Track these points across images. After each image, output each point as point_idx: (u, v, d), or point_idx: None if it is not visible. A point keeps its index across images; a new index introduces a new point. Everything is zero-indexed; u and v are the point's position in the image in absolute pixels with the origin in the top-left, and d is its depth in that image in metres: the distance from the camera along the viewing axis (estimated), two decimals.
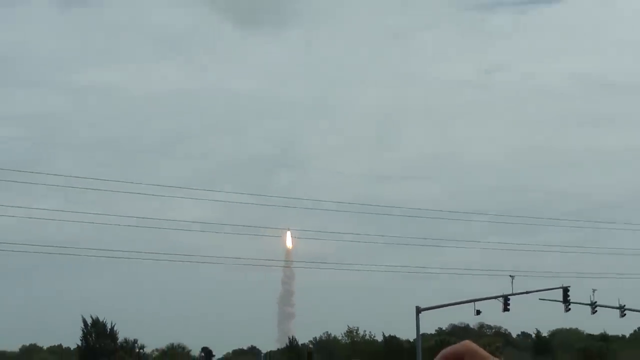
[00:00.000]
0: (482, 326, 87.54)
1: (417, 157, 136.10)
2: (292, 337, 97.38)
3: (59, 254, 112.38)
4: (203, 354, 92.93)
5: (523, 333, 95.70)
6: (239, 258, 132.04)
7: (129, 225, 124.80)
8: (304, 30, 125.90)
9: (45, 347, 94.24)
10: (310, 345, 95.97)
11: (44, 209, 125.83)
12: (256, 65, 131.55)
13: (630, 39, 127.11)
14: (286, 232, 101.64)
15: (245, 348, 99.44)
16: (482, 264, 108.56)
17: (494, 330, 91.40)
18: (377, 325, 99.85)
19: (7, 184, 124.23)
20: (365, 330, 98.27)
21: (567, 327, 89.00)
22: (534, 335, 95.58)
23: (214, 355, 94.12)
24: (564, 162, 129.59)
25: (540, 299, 65.69)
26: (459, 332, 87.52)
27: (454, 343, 1.39)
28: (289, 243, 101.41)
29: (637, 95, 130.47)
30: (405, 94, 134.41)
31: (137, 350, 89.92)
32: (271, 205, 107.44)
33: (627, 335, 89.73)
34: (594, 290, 69.21)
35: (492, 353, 1.53)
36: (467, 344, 1.40)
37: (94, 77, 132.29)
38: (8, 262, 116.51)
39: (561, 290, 66.26)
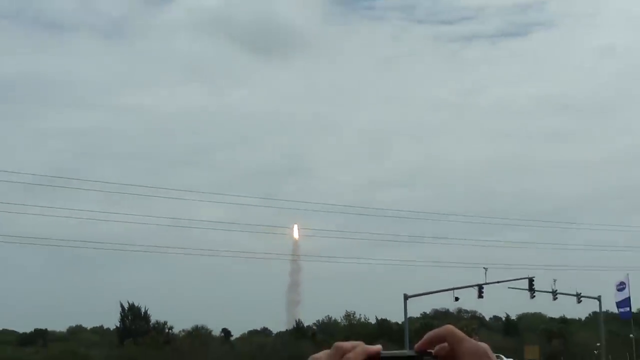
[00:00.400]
0: (460, 311, 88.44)
1: (404, 166, 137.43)
2: (299, 320, 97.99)
3: (101, 248, 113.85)
4: (223, 334, 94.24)
5: (495, 316, 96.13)
6: (254, 252, 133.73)
7: (159, 225, 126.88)
8: (308, 59, 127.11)
9: (88, 328, 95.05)
10: (314, 327, 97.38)
11: (88, 210, 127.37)
12: (267, 89, 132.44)
13: (583, 67, 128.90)
14: (294, 226, 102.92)
15: (258, 329, 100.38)
16: (459, 258, 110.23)
17: (470, 314, 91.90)
18: (371, 310, 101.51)
19: (58, 189, 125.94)
20: (360, 314, 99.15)
21: (532, 312, 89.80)
22: (504, 319, 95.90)
23: (232, 335, 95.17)
24: (528, 170, 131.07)
25: (509, 288, 67.14)
26: (440, 316, 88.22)
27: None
28: (296, 235, 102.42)
29: (588, 114, 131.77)
30: (394, 113, 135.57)
31: (167, 330, 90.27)
32: (280, 207, 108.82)
33: (583, 319, 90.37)
34: (554, 280, 70.86)
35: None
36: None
37: (130, 98, 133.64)
38: (59, 255, 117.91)
39: (527, 280, 67.64)
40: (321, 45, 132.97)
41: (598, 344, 74.61)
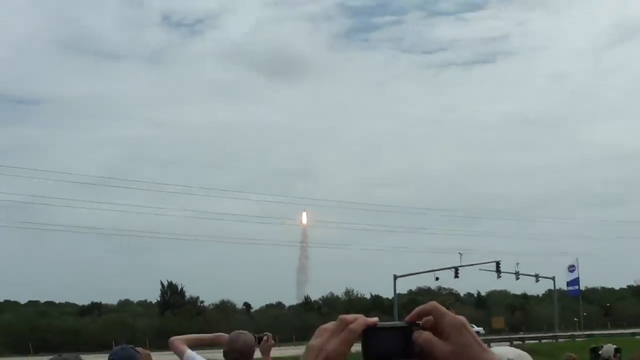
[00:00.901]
0: (439, 288, 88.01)
1: (393, 170, 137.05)
2: (307, 295, 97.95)
3: (145, 236, 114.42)
4: (244, 307, 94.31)
5: (468, 293, 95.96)
6: (270, 239, 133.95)
7: (192, 217, 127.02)
8: (315, 81, 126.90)
9: (135, 301, 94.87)
10: (320, 301, 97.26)
11: (134, 205, 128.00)
12: (281, 105, 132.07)
13: (539, 89, 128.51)
14: (303, 213, 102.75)
15: (274, 303, 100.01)
16: (439, 245, 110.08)
17: (447, 291, 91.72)
18: (366, 287, 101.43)
19: (110, 187, 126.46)
20: (357, 291, 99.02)
21: (499, 289, 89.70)
22: (475, 295, 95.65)
23: (252, 308, 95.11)
24: (495, 174, 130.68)
25: (480, 270, 66.93)
26: (423, 292, 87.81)
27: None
28: (304, 221, 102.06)
29: (543, 128, 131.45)
30: (385, 125, 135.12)
31: (199, 304, 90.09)
32: (292, 203, 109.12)
33: (540, 295, 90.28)
34: (517, 264, 70.50)
35: (447, 307, 1.52)
36: (433, 303, 1.52)
37: (168, 113, 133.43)
38: (111, 242, 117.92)
39: (495, 263, 67.32)
40: (325, 70, 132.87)
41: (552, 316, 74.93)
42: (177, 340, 6.38)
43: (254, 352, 6.09)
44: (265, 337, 6.44)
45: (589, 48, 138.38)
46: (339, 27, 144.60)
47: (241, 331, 6.26)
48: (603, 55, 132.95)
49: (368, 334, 1.45)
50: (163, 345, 8.10)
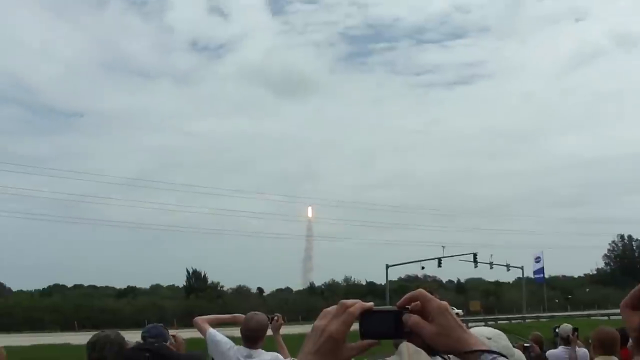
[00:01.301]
0: (425, 276, 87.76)
1: (386, 174, 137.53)
2: (311, 282, 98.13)
3: (174, 230, 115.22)
4: (258, 291, 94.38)
5: (449, 280, 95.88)
6: (281, 233, 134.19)
7: (215, 214, 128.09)
8: (319, 98, 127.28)
9: (164, 285, 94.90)
10: (322, 287, 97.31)
11: (165, 203, 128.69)
12: (288, 119, 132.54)
13: (512, 106, 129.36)
14: (309, 208, 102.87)
15: (283, 287, 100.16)
16: (425, 239, 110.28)
17: (432, 279, 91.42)
18: (362, 275, 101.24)
19: (144, 189, 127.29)
20: (355, 278, 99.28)
21: (476, 277, 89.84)
22: (455, 282, 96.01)
23: (264, 292, 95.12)
24: (474, 178, 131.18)
25: (459, 260, 66.96)
26: (411, 280, 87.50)
27: (409, 288, 1.64)
28: (310, 214, 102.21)
29: (516, 139, 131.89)
30: (379, 136, 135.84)
31: (219, 288, 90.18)
32: (298, 202, 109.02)
33: (511, 282, 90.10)
34: (491, 255, 70.35)
35: (431, 293, 1.53)
36: (421, 290, 1.52)
37: (194, 125, 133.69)
38: (144, 234, 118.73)
39: (472, 255, 68.08)
40: (328, 89, 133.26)
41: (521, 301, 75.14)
42: (200, 319, 6.40)
43: (266, 330, 6.11)
44: (275, 317, 6.46)
45: (552, 71, 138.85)
46: (340, 52, 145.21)
47: (255, 312, 6.27)
48: (564, 78, 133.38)
49: (364, 317, 1.46)
50: (188, 323, 8.09)
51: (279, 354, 6.04)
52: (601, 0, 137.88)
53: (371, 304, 1.48)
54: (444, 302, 1.50)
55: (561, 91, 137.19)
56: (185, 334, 6.08)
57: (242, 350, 5.92)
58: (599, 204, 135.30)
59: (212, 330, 6.21)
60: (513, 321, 58.54)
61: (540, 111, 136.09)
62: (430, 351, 1.46)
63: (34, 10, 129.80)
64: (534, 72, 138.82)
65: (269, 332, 6.25)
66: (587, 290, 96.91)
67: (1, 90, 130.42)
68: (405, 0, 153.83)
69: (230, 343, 6.10)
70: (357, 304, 1.47)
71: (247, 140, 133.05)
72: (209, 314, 6.71)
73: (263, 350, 5.97)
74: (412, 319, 1.46)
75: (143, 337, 5.49)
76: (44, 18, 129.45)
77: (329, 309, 1.49)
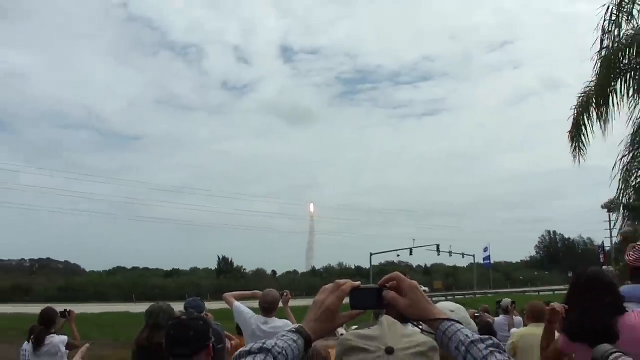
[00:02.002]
0: (399, 262, 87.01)
1: (371, 185, 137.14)
2: (313, 266, 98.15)
3: (208, 226, 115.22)
4: (272, 273, 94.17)
5: (418, 265, 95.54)
6: (290, 229, 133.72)
7: (239, 214, 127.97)
8: (319, 126, 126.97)
9: (201, 268, 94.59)
10: (321, 270, 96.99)
11: (201, 205, 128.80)
12: (295, 142, 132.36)
13: (468, 133, 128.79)
14: (310, 204, 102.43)
15: (291, 270, 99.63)
16: (400, 233, 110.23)
17: (405, 264, 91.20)
18: (352, 261, 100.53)
19: (185, 194, 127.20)
20: (347, 263, 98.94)
21: (438, 263, 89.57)
22: (423, 266, 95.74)
23: (277, 273, 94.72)
24: (440, 188, 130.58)
25: (426, 250, 66.90)
26: (389, 265, 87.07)
27: (388, 271, 1.61)
28: (312, 210, 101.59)
29: (470, 160, 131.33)
30: (365, 156, 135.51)
31: (242, 270, 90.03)
32: (303, 206, 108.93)
33: (465, 266, 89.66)
34: (450, 246, 70.47)
35: (404, 274, 1.50)
36: (397, 273, 1.51)
37: (221, 146, 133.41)
38: (186, 229, 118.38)
39: (436, 246, 68.06)
40: (326, 119, 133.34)
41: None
42: (228, 295, 6.41)
43: (278, 303, 6.11)
44: (285, 293, 6.47)
45: (497, 107, 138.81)
46: (335, 91, 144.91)
47: (270, 289, 6.30)
48: (506, 111, 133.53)
49: (353, 293, 1.48)
50: (219, 298, 8.03)
51: (288, 321, 6.07)
52: (532, 54, 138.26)
53: (359, 283, 1.50)
54: (414, 282, 1.51)
55: (504, 122, 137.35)
56: (216, 305, 6.07)
57: (260, 318, 5.96)
58: (533, 208, 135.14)
59: (237, 303, 6.23)
60: (467, 296, 58.37)
61: (488, 137, 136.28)
62: (404, 319, 1.46)
63: (105, 59, 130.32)
64: (483, 107, 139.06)
65: (281, 305, 6.26)
66: (523, 273, 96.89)
67: (79, 118, 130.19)
68: (385, 52, 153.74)
69: (251, 313, 6.13)
70: (348, 283, 1.49)
71: (264, 158, 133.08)
72: (235, 291, 6.70)
73: (276, 318, 6.00)
74: (390, 294, 1.47)
75: (185, 308, 5.50)
76: (111, 64, 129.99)
77: (326, 286, 1.50)
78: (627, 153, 11.28)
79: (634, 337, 2.97)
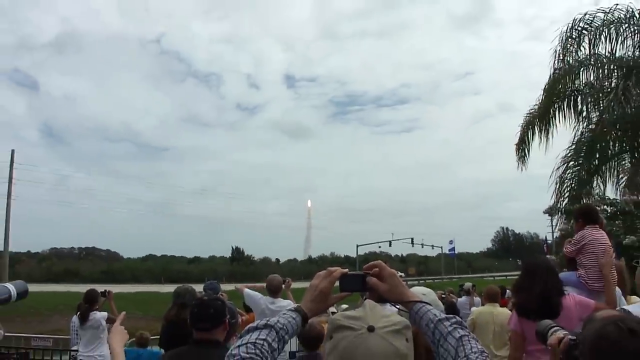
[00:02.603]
0: (381, 252, 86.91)
1: (358, 189, 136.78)
2: (310, 255, 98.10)
3: (225, 222, 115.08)
4: (276, 260, 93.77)
5: (396, 255, 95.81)
6: (291, 224, 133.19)
7: (250, 212, 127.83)
8: (316, 141, 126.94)
9: (218, 256, 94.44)
10: (317, 258, 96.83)
11: (218, 205, 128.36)
12: (296, 153, 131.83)
13: (436, 148, 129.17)
14: (308, 200, 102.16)
15: (292, 258, 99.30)
16: (382, 229, 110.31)
17: (385, 254, 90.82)
18: (342, 251, 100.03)
19: (207, 196, 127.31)
20: (337, 253, 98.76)
21: (412, 253, 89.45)
22: (400, 256, 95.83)
23: (280, 261, 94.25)
24: (413, 192, 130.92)
25: (402, 242, 67.00)
26: (372, 255, 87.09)
27: (371, 259, 1.57)
28: (309, 204, 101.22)
29: (438, 169, 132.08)
30: (353, 166, 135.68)
31: (251, 258, 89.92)
32: (302, 205, 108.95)
33: (434, 256, 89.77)
34: (422, 239, 70.48)
35: (385, 262, 1.48)
36: (378, 261, 1.49)
37: (235, 156, 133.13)
38: (207, 224, 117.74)
39: (410, 239, 67.84)
40: (322, 134, 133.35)
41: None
42: (240, 286, 6.49)
43: (281, 286, 6.15)
44: (287, 280, 6.52)
45: (460, 126, 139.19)
46: (330, 111, 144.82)
47: (275, 275, 6.34)
48: (467, 130, 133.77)
49: (342, 278, 1.48)
50: (232, 281, 8.02)
51: (290, 301, 6.11)
52: (490, 83, 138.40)
53: (347, 270, 1.50)
54: (393, 270, 1.52)
55: (466, 138, 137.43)
56: (230, 287, 6.06)
57: (268, 299, 5.98)
58: (489, 208, 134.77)
59: (247, 290, 6.37)
60: (435, 280, 58.40)
61: (454, 150, 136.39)
62: (384, 301, 1.47)
63: (141, 85, 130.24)
64: (449, 126, 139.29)
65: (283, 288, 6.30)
66: (481, 262, 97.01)
67: (119, 133, 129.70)
68: (370, 80, 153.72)
69: (259, 295, 6.17)
70: (338, 270, 1.49)
71: (270, 166, 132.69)
72: (244, 277, 6.76)
73: (281, 299, 6.04)
74: (372, 280, 1.47)
75: (204, 289, 5.50)
76: (146, 89, 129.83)
77: (320, 272, 1.50)
78: (560, 165, 11.34)
79: (569, 315, 3.01)
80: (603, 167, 11.28)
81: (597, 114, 10.93)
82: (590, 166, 11.05)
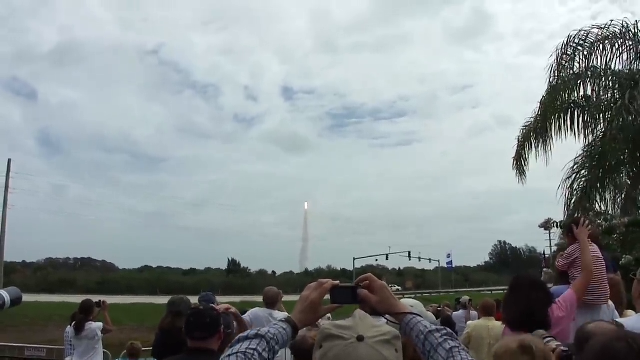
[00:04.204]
0: (378, 265, 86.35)
1: (355, 200, 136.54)
2: (306, 267, 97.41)
3: (221, 233, 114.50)
4: (272, 272, 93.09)
5: (393, 268, 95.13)
6: (287, 237, 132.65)
7: (246, 223, 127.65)
8: (313, 154, 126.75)
9: (214, 268, 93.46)
10: (313, 271, 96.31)
11: (216, 217, 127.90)
12: (292, 165, 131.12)
13: (433, 161, 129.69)
14: (305, 203, 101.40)
15: (288, 271, 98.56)
16: (379, 242, 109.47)
17: (382, 267, 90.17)
18: (339, 264, 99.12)
19: (204, 208, 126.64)
20: (333, 266, 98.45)
21: (410, 266, 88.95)
22: (397, 269, 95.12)
23: (276, 273, 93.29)
24: (411, 204, 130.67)
25: (400, 255, 66.68)
26: (368, 268, 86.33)
27: (366, 272, 1.53)
28: (306, 207, 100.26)
29: (436, 181, 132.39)
30: (351, 178, 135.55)
31: (247, 270, 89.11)
32: (299, 217, 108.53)
33: (432, 269, 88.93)
34: (419, 252, 70.80)
35: (380, 277, 1.52)
36: (369, 274, 1.53)
37: (233, 167, 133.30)
38: (202, 235, 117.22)
39: (407, 252, 67.72)
40: (319, 147, 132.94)
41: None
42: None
43: (277, 297, 6.20)
44: (279, 292, 6.57)
45: (459, 138, 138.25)
46: (327, 124, 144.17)
47: (270, 287, 6.39)
48: (466, 143, 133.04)
49: (333, 290, 1.50)
50: (227, 293, 7.97)
51: (286, 313, 6.15)
52: (488, 96, 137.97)
53: (337, 282, 1.51)
54: (383, 282, 1.53)
55: (464, 151, 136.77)
56: (226, 299, 6.02)
57: (266, 310, 6.06)
58: (487, 221, 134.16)
59: (245, 316, 6.10)
60: (432, 294, 58.15)
61: (452, 163, 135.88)
62: (374, 313, 1.47)
63: (139, 95, 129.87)
64: (447, 139, 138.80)
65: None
66: (479, 275, 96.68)
67: (117, 143, 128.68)
68: (368, 92, 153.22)
69: (256, 310, 6.15)
70: (329, 282, 1.50)
71: (267, 178, 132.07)
72: (241, 289, 6.78)
73: (279, 311, 6.08)
74: (363, 292, 1.49)
75: (199, 301, 5.49)
76: (144, 99, 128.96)
77: (311, 284, 1.53)
78: (568, 176, 11.32)
79: (560, 322, 3.13)
80: (605, 181, 11.28)
81: (600, 126, 10.97)
82: (598, 178, 11.04)
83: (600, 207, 11.34)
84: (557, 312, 3.20)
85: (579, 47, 10.84)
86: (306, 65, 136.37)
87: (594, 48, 10.76)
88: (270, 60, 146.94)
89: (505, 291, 3.44)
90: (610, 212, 11.55)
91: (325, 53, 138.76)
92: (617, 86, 10.72)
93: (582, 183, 11.15)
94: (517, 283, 3.20)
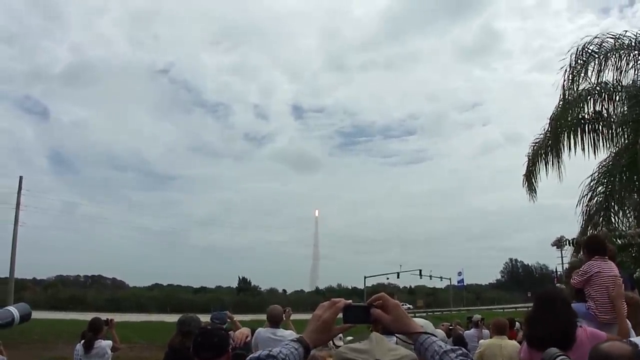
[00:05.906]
0: (388, 284, 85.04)
1: (365, 218, 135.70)
2: (317, 286, 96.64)
3: (232, 252, 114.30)
4: (283, 291, 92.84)
5: (404, 287, 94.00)
6: (298, 255, 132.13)
7: (257, 241, 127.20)
8: (322, 172, 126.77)
9: (224, 286, 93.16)
10: (323, 290, 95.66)
11: (226, 234, 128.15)
12: (302, 184, 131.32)
13: (444, 177, 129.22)
14: (316, 210, 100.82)
15: (298, 289, 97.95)
16: (389, 260, 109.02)
17: (393, 286, 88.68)
18: (350, 282, 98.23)
19: (214, 226, 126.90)
20: (344, 284, 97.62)
21: (421, 285, 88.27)
22: (408, 287, 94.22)
23: (287, 292, 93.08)
24: (421, 221, 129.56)
25: (411, 274, 66.35)
26: (380, 286, 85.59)
27: (379, 291, 1.54)
28: (316, 214, 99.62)
29: (443, 198, 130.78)
30: (360, 195, 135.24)
31: (258, 289, 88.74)
32: (309, 235, 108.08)
33: (443, 287, 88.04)
34: (431, 271, 69.20)
35: (392, 295, 1.52)
36: (382, 294, 1.50)
37: (244, 186, 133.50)
38: (212, 253, 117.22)
39: (419, 270, 67.21)
40: (328, 166, 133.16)
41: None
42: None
43: (281, 316, 6.18)
44: (287, 309, 6.59)
45: (469, 156, 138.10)
46: (336, 142, 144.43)
47: (274, 305, 6.40)
48: (476, 160, 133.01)
49: (346, 309, 1.48)
50: (238, 311, 7.95)
51: (292, 331, 6.11)
52: (497, 114, 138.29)
53: (350, 301, 1.50)
54: (396, 301, 1.52)
55: (474, 168, 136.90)
56: (236, 317, 5.96)
57: (269, 329, 5.98)
58: (498, 238, 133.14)
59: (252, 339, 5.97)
60: (444, 312, 57.37)
61: (462, 180, 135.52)
62: (388, 333, 1.49)
63: (150, 114, 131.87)
64: (457, 156, 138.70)
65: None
66: (490, 293, 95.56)
67: (127, 161, 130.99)
68: (378, 111, 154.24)
69: (258, 330, 6.05)
70: (342, 301, 1.49)
71: (277, 196, 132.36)
72: (251, 307, 6.74)
73: (282, 329, 6.04)
74: (376, 311, 1.47)
75: (211, 319, 5.48)
76: (155, 118, 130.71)
77: (323, 303, 1.51)
78: (585, 194, 11.14)
79: (581, 348, 2.91)
80: (619, 196, 11.10)
81: (615, 140, 10.82)
82: (614, 195, 10.88)
83: (616, 224, 11.14)
84: (581, 336, 3.03)
85: (594, 54, 10.64)
86: (316, 84, 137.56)
87: (606, 58, 10.61)
88: (280, 79, 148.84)
89: (531, 306, 3.26)
90: (624, 228, 11.36)
91: (335, 71, 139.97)
92: (628, 102, 10.57)
93: (599, 199, 10.98)
94: (548, 297, 3.05)
